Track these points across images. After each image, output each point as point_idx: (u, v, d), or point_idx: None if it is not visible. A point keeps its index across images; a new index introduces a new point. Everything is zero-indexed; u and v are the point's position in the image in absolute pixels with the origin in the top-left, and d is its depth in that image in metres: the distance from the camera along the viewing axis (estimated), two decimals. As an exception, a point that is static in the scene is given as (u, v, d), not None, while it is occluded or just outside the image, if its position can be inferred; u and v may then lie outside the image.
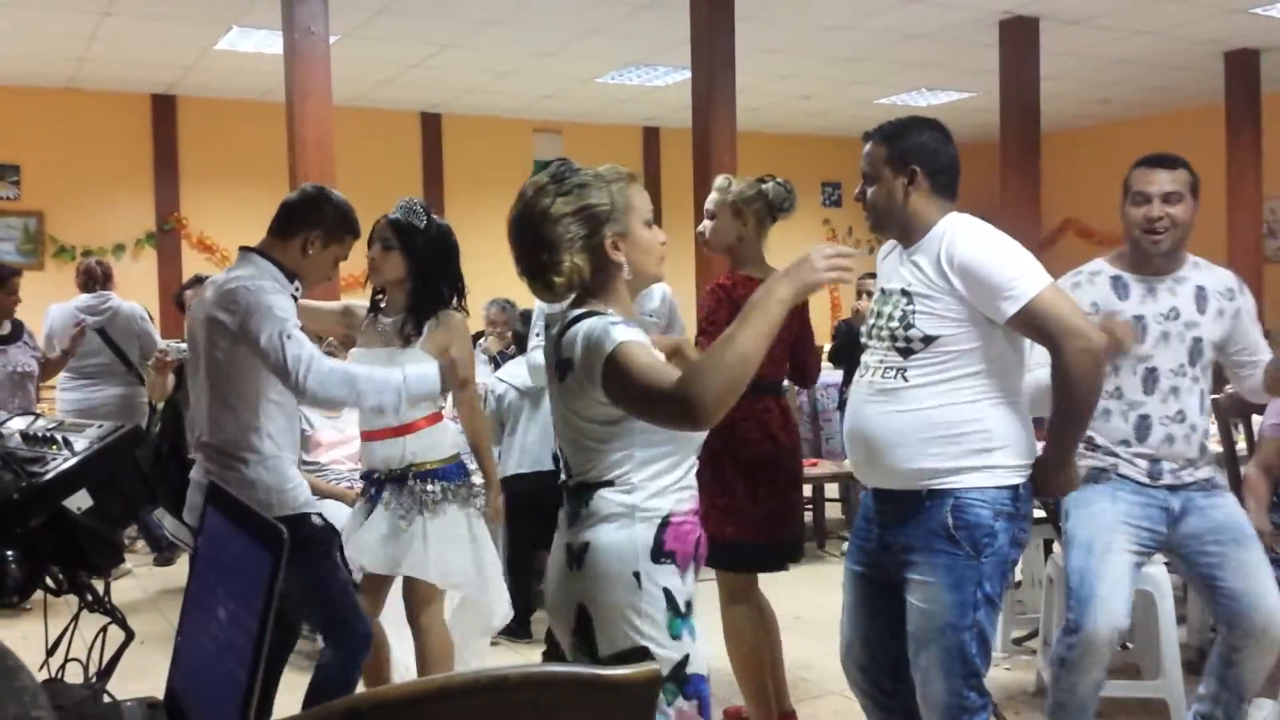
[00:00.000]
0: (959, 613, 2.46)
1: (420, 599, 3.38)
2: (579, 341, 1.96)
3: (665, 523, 1.99)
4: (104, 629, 2.44)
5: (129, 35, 7.86)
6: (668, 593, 1.97)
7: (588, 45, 8.42)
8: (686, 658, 1.97)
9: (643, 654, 1.92)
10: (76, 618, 1.91)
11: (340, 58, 6.79)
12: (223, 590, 1.47)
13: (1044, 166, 8.69)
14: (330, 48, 6.41)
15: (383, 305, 3.42)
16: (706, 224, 3.52)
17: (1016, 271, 2.43)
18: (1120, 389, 2.99)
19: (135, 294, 8.09)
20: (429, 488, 3.28)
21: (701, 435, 2.07)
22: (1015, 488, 2.50)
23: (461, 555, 3.33)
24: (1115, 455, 3.00)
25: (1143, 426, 2.96)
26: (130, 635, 1.91)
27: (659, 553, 1.97)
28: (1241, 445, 3.90)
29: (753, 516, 3.38)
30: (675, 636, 1.97)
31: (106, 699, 1.70)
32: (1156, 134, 9.91)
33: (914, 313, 2.51)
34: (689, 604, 2.01)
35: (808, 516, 6.09)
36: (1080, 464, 3.03)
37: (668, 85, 9.61)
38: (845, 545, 6.15)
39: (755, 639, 3.47)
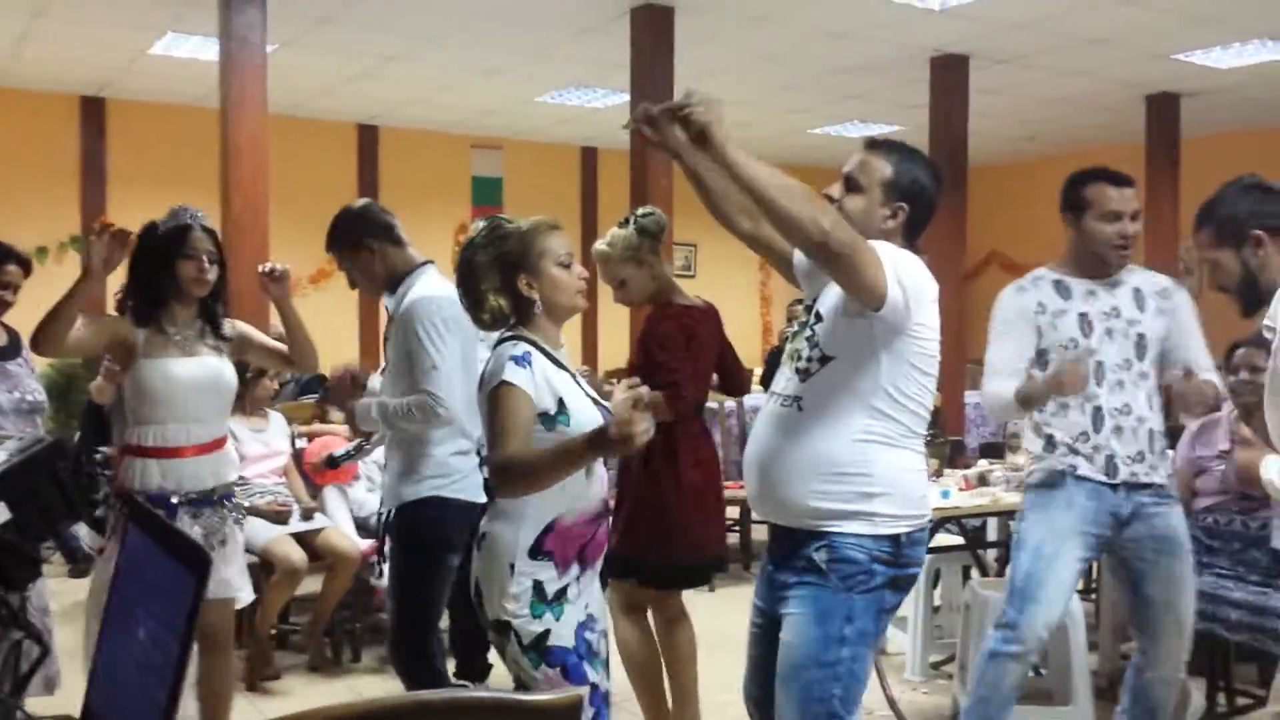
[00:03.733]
0: (821, 646, 2.32)
1: (228, 622, 3.40)
2: (491, 360, 2.41)
3: (550, 527, 2.37)
4: (18, 644, 2.39)
5: (61, 37, 7.71)
6: (537, 583, 2.37)
7: (530, 65, 8.45)
8: (547, 632, 2.37)
9: (507, 625, 2.38)
10: (-9, 633, 1.88)
11: (278, 66, 6.73)
12: (142, 610, 1.46)
13: (970, 200, 8.90)
14: (268, 56, 6.35)
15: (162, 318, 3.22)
16: (618, 293, 3.64)
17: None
18: None
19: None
20: (236, 500, 3.34)
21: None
22: (896, 538, 2.36)
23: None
24: (1075, 452, 3.07)
25: (1097, 418, 3.06)
26: (46, 651, 1.88)
27: (536, 551, 2.37)
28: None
29: (679, 536, 3.51)
30: (536, 616, 2.37)
31: (20, 716, 1.67)
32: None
33: (820, 332, 2.40)
34: (560, 593, 2.39)
35: (734, 538, 6.13)
36: (1038, 466, 3.12)
37: (607, 107, 9.67)
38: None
39: (647, 652, 3.63)
